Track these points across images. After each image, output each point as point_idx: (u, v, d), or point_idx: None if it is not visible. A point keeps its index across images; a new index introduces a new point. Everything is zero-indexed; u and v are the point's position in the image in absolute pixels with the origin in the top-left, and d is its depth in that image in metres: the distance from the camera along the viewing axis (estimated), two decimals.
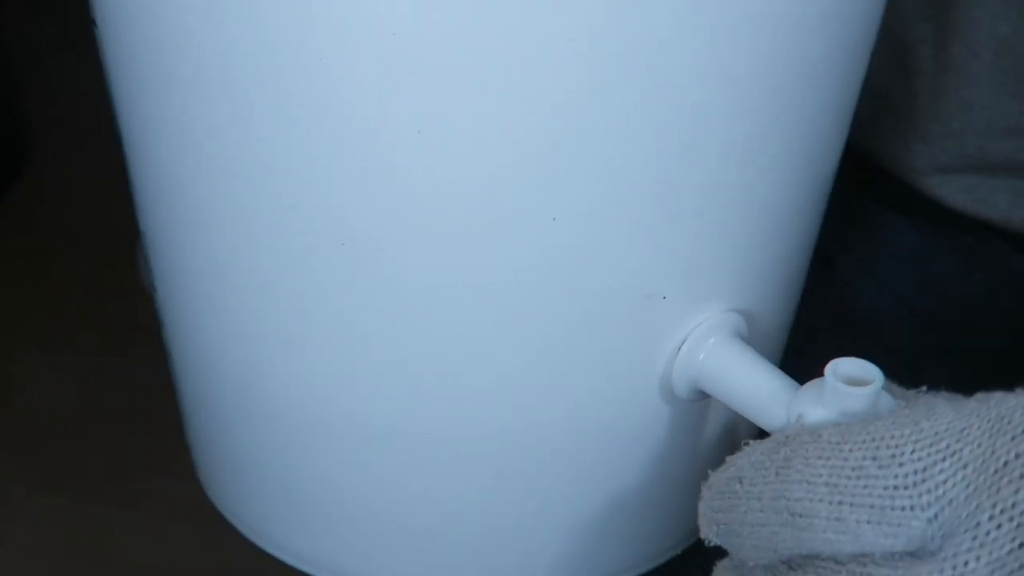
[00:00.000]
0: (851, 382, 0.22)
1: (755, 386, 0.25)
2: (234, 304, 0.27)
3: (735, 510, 0.23)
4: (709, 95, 0.22)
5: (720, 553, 0.24)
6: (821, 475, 0.21)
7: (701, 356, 0.26)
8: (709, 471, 0.24)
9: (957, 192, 0.43)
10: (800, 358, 0.28)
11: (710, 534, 0.24)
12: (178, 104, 0.24)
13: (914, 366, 0.25)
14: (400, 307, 0.25)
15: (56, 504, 0.51)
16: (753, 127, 0.24)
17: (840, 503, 0.20)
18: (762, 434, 0.24)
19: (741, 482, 0.22)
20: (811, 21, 0.23)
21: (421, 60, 0.21)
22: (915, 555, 0.20)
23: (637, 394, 0.27)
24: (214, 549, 0.47)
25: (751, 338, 0.27)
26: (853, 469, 0.20)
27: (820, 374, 0.23)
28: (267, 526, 0.33)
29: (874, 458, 0.20)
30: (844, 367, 0.23)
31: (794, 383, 0.24)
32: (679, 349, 0.26)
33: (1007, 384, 0.21)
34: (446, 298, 0.24)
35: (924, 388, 0.23)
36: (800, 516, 0.21)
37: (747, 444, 0.23)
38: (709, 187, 0.24)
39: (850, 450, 0.21)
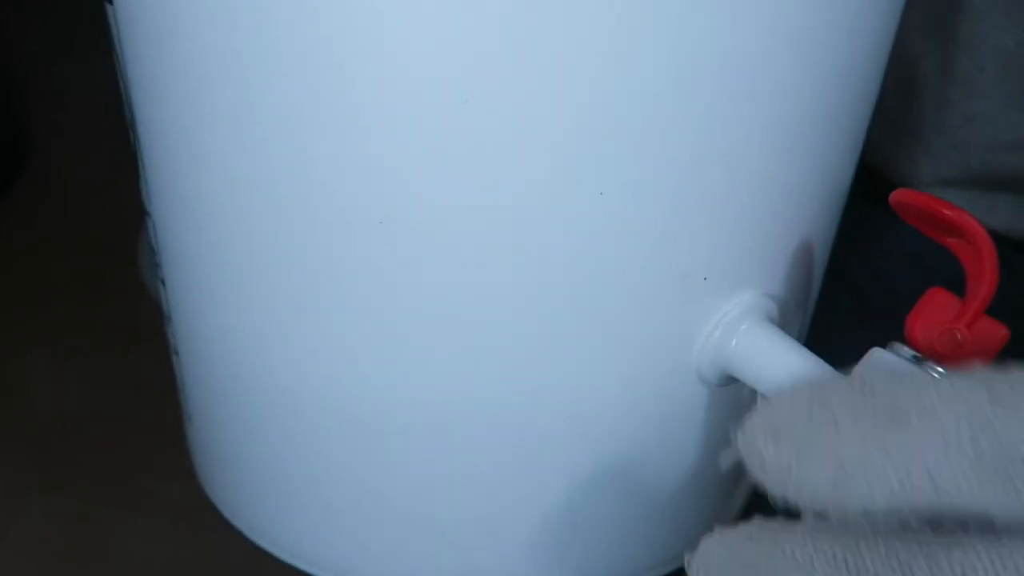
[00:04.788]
0: None
1: (788, 369, 0.25)
2: (241, 299, 0.27)
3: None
4: (766, 91, 0.23)
5: None
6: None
7: (734, 341, 0.26)
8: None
9: (960, 204, 0.44)
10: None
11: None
12: (197, 81, 0.24)
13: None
14: (431, 294, 0.24)
15: (56, 504, 0.50)
16: (798, 120, 0.24)
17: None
18: None
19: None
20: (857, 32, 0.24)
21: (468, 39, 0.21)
22: None
23: (670, 379, 0.27)
24: (214, 549, 0.47)
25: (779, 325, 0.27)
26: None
27: None
28: (268, 525, 0.33)
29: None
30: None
31: (830, 367, 0.24)
32: (714, 332, 0.26)
33: None
34: (482, 276, 0.24)
35: None
36: None
37: None
38: (759, 169, 0.24)
39: None
